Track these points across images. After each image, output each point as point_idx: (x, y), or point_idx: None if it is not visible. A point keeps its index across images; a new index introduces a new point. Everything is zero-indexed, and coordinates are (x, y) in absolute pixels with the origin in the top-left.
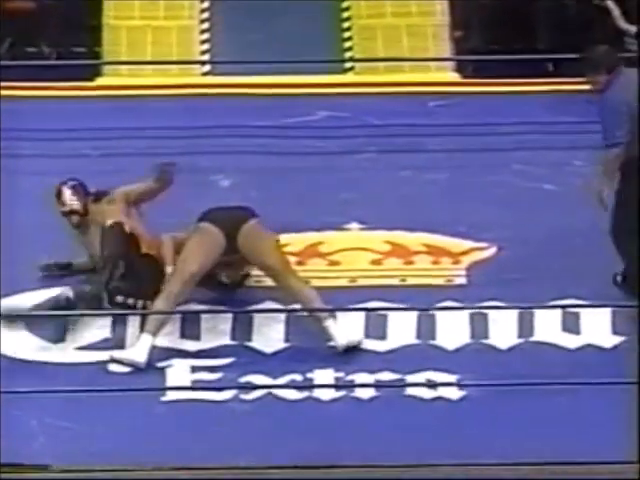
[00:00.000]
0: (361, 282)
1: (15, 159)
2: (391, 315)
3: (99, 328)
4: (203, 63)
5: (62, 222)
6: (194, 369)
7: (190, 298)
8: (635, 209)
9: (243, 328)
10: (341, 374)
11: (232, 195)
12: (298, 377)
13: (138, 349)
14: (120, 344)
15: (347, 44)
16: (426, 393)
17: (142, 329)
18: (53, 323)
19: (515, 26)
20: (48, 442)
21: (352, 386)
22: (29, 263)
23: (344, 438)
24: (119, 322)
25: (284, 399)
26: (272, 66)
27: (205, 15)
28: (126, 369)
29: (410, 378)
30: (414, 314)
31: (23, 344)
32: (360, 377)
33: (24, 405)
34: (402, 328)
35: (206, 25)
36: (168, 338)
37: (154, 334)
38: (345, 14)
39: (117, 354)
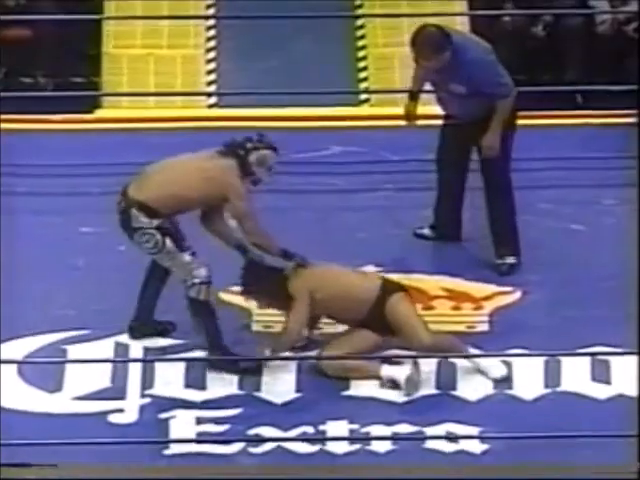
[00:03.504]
0: None
1: (8, 197)
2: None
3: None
4: (209, 95)
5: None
6: (199, 420)
7: (195, 345)
8: None
9: (251, 377)
10: (355, 426)
11: (239, 235)
12: (310, 429)
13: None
14: (120, 394)
15: (362, 74)
16: (446, 446)
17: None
18: (48, 371)
19: (541, 56)
20: None
21: (368, 439)
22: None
23: None
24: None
25: (295, 452)
26: (282, 98)
27: (211, 44)
28: (126, 420)
29: (429, 430)
30: (433, 362)
31: (19, 393)
32: (376, 429)
33: (25, 457)
34: (421, 377)
35: (212, 54)
36: (171, 387)
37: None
38: (360, 42)
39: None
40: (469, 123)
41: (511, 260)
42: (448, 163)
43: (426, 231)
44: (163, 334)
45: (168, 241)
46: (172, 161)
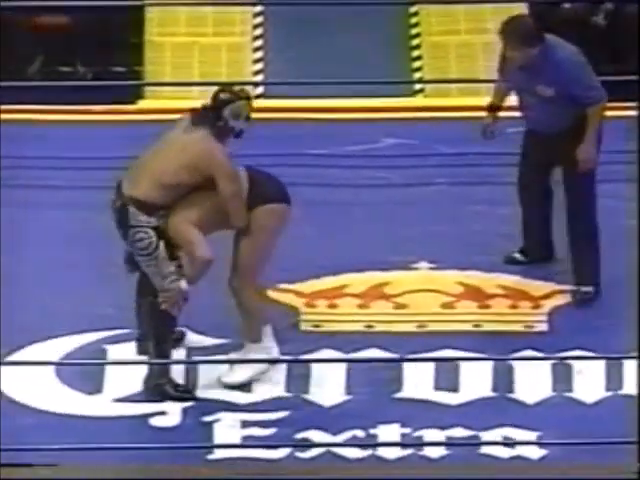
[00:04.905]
0: (431, 327)
1: (44, 190)
2: (464, 365)
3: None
4: (256, 84)
5: (87, 259)
6: (245, 424)
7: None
8: None
9: (299, 378)
10: (408, 430)
11: (285, 230)
12: (360, 433)
13: None
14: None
15: (416, 64)
16: (503, 452)
17: None
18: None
19: (602, 44)
20: None
21: (421, 444)
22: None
23: None
24: None
25: (344, 458)
26: (332, 88)
27: (258, 31)
28: (169, 423)
29: (485, 435)
30: (490, 364)
31: (56, 395)
32: (429, 434)
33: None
34: (476, 379)
35: (259, 42)
36: (215, 389)
37: None
38: (414, 30)
39: None
40: (554, 136)
41: (587, 289)
42: (532, 187)
43: (517, 256)
44: (174, 345)
45: (162, 245)
46: (156, 147)
